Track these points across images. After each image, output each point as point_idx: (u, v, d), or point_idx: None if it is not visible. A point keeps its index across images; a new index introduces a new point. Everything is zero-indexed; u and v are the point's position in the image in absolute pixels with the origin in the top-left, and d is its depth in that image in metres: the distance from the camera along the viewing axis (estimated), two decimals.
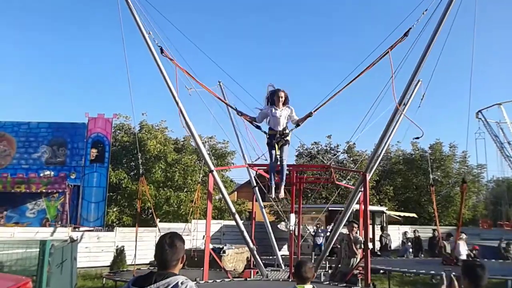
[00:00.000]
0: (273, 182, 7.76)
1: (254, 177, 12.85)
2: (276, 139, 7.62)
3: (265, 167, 9.92)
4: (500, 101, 30.13)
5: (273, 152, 7.68)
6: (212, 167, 8.93)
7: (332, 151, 29.03)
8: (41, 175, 19.74)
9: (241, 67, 74.46)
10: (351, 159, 29.63)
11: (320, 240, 17.44)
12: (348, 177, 24.02)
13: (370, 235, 15.20)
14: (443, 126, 61.95)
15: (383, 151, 11.68)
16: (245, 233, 9.48)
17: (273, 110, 7.61)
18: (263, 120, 8.00)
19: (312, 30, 74.86)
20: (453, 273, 3.65)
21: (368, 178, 9.38)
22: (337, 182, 13.25)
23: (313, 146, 30.67)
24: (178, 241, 2.75)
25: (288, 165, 9.28)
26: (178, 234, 2.84)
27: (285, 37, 77.17)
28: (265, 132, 8.02)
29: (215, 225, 20.79)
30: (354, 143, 29.18)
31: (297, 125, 8.11)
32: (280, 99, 7.55)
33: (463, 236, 13.03)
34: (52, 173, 19.94)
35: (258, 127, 8.19)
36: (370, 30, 70.38)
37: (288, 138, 7.78)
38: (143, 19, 8.38)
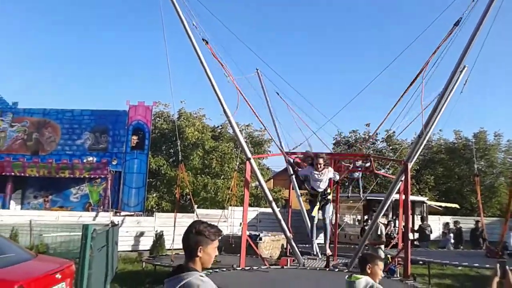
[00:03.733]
0: (314, 241, 8.19)
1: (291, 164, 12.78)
2: (317, 198, 8.23)
3: (302, 155, 9.82)
4: None
5: (314, 211, 8.31)
6: (249, 155, 8.94)
7: (371, 140, 28.48)
8: (84, 161, 20.38)
9: (280, 58, 73.96)
10: (390, 148, 28.99)
11: None
12: (388, 166, 23.50)
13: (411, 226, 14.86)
14: (488, 114, 59.64)
15: (426, 140, 11.33)
16: (282, 222, 9.45)
17: (314, 174, 8.21)
18: (304, 177, 8.87)
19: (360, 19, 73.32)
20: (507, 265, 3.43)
21: (409, 167, 9.15)
22: (376, 172, 12.98)
23: (351, 135, 30.22)
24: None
25: (327, 154, 9.26)
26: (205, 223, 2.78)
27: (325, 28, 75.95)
28: (307, 189, 8.79)
29: (252, 212, 20.89)
30: (394, 132, 28.47)
31: (338, 182, 9.00)
32: (319, 165, 8.12)
33: None
34: (95, 159, 20.55)
35: (301, 181, 9.12)
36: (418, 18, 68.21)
37: (329, 197, 8.45)
38: (183, 9, 8.47)
